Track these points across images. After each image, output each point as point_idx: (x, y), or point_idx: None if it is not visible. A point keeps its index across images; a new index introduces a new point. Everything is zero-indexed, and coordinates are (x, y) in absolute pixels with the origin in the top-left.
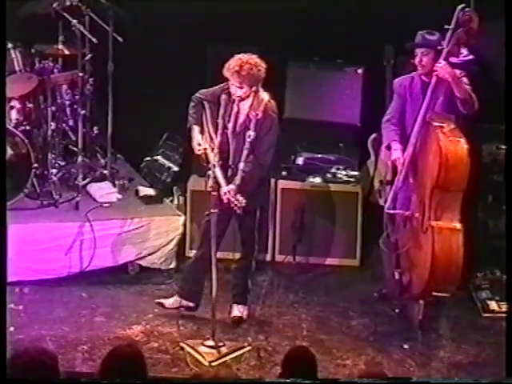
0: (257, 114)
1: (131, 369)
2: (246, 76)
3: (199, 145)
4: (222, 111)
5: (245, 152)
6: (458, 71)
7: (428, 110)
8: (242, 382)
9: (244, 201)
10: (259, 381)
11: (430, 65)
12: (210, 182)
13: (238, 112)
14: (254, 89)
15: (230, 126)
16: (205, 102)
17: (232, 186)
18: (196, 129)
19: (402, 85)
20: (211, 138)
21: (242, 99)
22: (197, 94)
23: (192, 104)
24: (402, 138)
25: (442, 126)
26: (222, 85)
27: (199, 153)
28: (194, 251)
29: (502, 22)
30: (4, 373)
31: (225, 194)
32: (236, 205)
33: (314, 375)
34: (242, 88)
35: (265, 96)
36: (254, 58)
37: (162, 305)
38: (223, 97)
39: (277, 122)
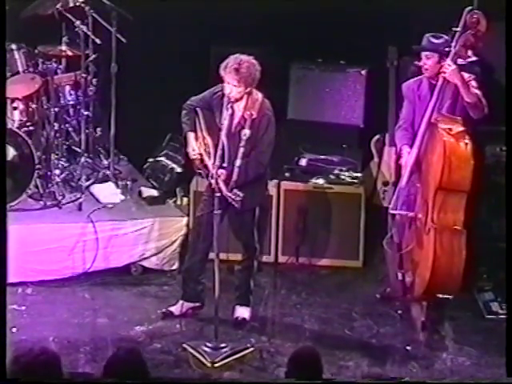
0: (251, 114)
1: (133, 374)
2: (244, 74)
3: (193, 150)
4: (216, 114)
5: (241, 150)
6: (466, 75)
7: (434, 111)
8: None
9: (241, 194)
10: (262, 382)
11: (433, 68)
12: (212, 184)
13: (232, 114)
14: (248, 90)
15: (225, 127)
16: (198, 109)
17: (222, 170)
18: (191, 135)
19: (410, 88)
20: (205, 143)
21: (236, 100)
22: (188, 102)
23: (184, 112)
24: (412, 141)
25: (447, 128)
26: (212, 89)
27: (194, 157)
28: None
29: (503, 23)
30: (4, 373)
31: (212, 176)
32: (234, 199)
33: (319, 375)
34: (238, 87)
35: (258, 96)
36: (251, 59)
37: (170, 313)
38: (216, 100)
39: (273, 120)
